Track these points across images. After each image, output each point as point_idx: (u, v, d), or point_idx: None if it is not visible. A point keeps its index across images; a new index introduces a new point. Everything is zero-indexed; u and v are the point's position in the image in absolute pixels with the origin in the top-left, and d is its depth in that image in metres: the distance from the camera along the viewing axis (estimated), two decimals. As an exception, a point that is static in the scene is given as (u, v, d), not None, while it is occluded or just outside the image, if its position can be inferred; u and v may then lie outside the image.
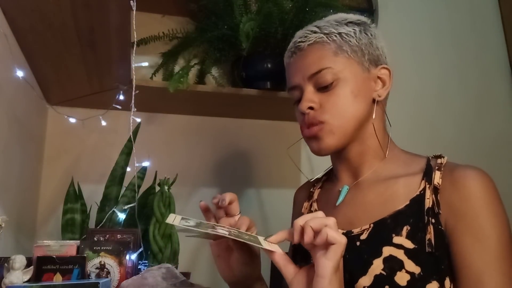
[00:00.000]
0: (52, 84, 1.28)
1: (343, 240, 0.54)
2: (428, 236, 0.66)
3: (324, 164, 0.95)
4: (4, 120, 1.00)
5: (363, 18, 0.80)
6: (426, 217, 0.67)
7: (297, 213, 0.93)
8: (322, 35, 0.75)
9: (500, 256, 0.62)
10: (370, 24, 0.80)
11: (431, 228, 0.66)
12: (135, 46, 1.13)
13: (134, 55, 1.07)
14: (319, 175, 0.95)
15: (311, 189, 0.91)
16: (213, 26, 1.44)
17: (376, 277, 0.66)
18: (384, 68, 0.78)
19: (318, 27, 0.76)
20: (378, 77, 0.77)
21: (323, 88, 0.74)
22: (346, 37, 0.75)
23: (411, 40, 1.88)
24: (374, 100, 0.77)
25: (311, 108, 0.75)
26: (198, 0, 1.48)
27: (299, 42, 0.77)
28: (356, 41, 0.75)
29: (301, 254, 0.80)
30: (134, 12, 0.95)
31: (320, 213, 0.58)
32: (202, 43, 1.50)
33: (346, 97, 0.73)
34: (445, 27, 1.96)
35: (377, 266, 0.67)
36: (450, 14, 1.98)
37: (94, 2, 0.88)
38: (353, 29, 0.76)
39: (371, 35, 0.78)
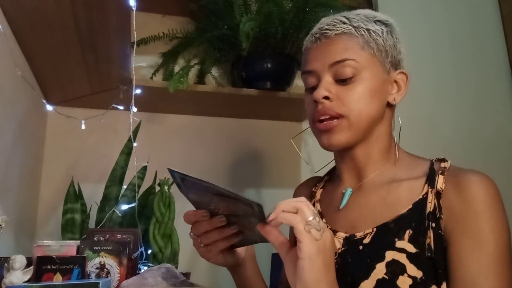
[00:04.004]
0: (52, 84, 1.28)
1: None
2: (427, 241, 0.65)
3: (325, 162, 0.95)
4: (4, 120, 1.00)
5: (390, 20, 0.79)
6: (426, 221, 0.67)
7: None
8: (351, 27, 0.74)
9: (497, 260, 0.62)
10: (396, 27, 0.79)
11: (431, 233, 0.66)
12: (135, 46, 1.13)
13: (134, 55, 1.07)
14: (317, 172, 0.94)
15: (313, 189, 0.90)
16: (213, 26, 1.44)
17: (379, 281, 0.66)
18: (402, 73, 0.78)
19: (347, 18, 0.75)
20: (395, 81, 0.77)
21: (342, 81, 0.72)
22: (374, 34, 0.74)
23: (411, 40, 1.87)
24: (387, 103, 0.76)
25: (326, 98, 0.73)
26: (198, 0, 1.48)
27: (326, 29, 0.75)
28: (383, 41, 0.74)
29: None
30: (134, 12, 0.95)
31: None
32: (202, 43, 1.50)
33: (364, 94, 0.72)
34: (445, 27, 1.96)
35: (380, 270, 0.66)
36: (450, 14, 1.98)
37: (94, 2, 0.88)
38: (381, 29, 0.75)
39: (396, 38, 0.78)
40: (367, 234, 0.71)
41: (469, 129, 1.88)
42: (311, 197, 0.89)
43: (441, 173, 0.70)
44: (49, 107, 1.33)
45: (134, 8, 0.93)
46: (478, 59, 1.97)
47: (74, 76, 1.24)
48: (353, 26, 0.74)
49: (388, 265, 0.66)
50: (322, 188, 0.88)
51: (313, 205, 0.86)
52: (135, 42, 1.28)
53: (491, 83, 1.97)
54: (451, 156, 0.76)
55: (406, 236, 0.67)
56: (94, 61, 1.15)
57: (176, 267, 1.04)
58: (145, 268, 1.00)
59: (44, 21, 0.95)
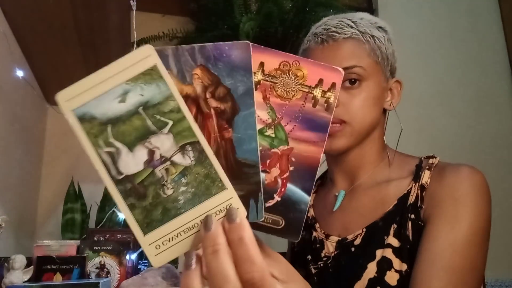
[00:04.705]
0: (52, 84, 1.28)
1: None
2: (407, 232, 0.66)
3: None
4: (4, 120, 1.00)
5: (387, 26, 0.78)
6: (407, 213, 0.67)
7: None
8: (358, 32, 0.73)
9: (468, 241, 0.60)
10: (392, 34, 0.79)
11: (409, 224, 0.66)
12: (135, 45, 1.13)
13: (134, 55, 1.07)
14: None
15: None
16: (213, 26, 1.44)
17: (370, 280, 0.66)
18: (397, 81, 0.78)
19: (353, 22, 0.74)
20: (390, 89, 0.77)
21: (347, 87, 0.72)
22: (378, 41, 0.73)
23: (411, 40, 1.88)
24: (383, 110, 0.77)
25: None
26: (198, 0, 1.48)
27: (334, 31, 0.73)
28: (385, 49, 0.74)
29: (300, 261, 0.79)
30: (134, 12, 0.95)
31: None
32: (202, 43, 1.50)
33: (368, 101, 0.72)
34: (446, 27, 1.96)
35: (371, 269, 0.66)
36: (450, 14, 1.98)
37: (94, 2, 0.89)
38: (383, 36, 0.75)
39: (393, 45, 0.77)
40: (357, 235, 0.71)
41: (469, 128, 1.88)
42: None
43: (428, 169, 0.70)
44: (49, 107, 1.33)
45: (134, 8, 0.93)
46: (479, 59, 1.97)
47: (74, 76, 1.23)
48: (360, 32, 0.73)
49: (378, 263, 0.66)
50: (315, 193, 0.88)
51: (307, 211, 0.85)
52: (135, 42, 1.28)
53: (491, 83, 1.97)
54: (450, 155, 0.76)
55: (392, 231, 0.67)
56: (94, 61, 1.15)
57: (176, 267, 1.04)
58: (145, 268, 1.00)
59: (44, 21, 0.95)
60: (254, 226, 0.33)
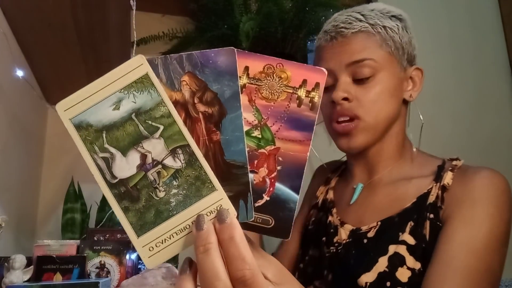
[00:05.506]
0: (52, 84, 1.29)
1: None
2: (424, 232, 0.65)
3: (330, 156, 0.95)
4: (4, 120, 1.00)
5: (404, 14, 0.77)
6: (425, 213, 0.66)
7: (310, 192, 0.91)
8: (367, 25, 0.71)
9: (484, 244, 0.59)
10: (408, 20, 0.77)
11: (427, 224, 0.65)
12: (135, 45, 1.13)
13: (134, 54, 1.07)
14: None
15: (329, 175, 0.89)
16: (213, 26, 1.44)
17: (380, 274, 0.65)
18: (418, 68, 0.77)
19: (362, 15, 0.73)
20: (410, 77, 0.76)
21: (360, 81, 0.70)
22: (390, 32, 0.72)
23: (411, 40, 1.88)
24: (403, 100, 0.76)
25: (345, 99, 0.70)
26: (198, 0, 1.48)
27: (342, 27, 0.71)
28: (399, 38, 0.73)
29: (315, 241, 0.78)
30: (134, 11, 0.95)
31: None
32: (202, 42, 1.51)
33: (383, 94, 0.70)
34: (445, 27, 1.96)
35: (382, 264, 0.66)
36: (450, 14, 1.98)
37: (94, 2, 0.89)
38: (397, 25, 0.73)
39: (410, 33, 0.76)
40: (371, 227, 0.70)
41: (469, 129, 1.88)
42: (326, 182, 0.88)
43: (451, 170, 0.69)
44: (49, 107, 1.33)
45: (134, 8, 0.93)
46: (478, 59, 1.96)
47: (74, 76, 1.24)
48: (370, 24, 0.71)
49: (390, 258, 0.66)
50: (338, 176, 0.87)
51: (327, 191, 0.85)
52: (135, 42, 1.28)
53: (491, 83, 1.97)
54: (451, 155, 0.76)
55: (408, 228, 0.66)
56: (94, 60, 1.15)
57: (176, 267, 1.04)
58: (145, 267, 1.00)
59: (44, 20, 0.95)
60: (245, 226, 0.34)
